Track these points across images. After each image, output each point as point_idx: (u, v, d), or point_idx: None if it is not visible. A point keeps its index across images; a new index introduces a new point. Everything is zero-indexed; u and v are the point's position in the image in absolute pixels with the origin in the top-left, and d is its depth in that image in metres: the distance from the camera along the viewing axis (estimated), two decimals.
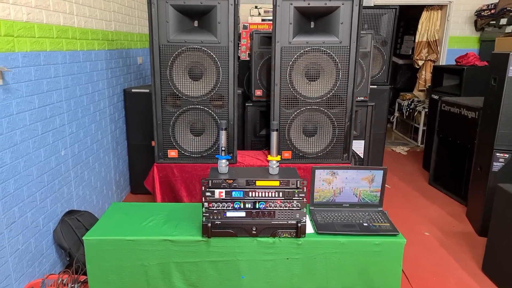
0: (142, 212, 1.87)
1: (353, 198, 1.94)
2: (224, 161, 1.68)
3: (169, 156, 2.61)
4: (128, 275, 1.69)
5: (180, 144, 2.59)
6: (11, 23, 1.76)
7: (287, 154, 2.63)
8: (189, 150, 2.60)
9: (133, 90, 3.20)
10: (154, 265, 1.69)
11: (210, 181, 1.61)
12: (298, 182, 1.64)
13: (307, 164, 2.62)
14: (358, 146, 3.52)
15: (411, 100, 5.71)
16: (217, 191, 1.62)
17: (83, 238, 1.64)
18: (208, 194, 1.62)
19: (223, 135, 1.67)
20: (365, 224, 1.79)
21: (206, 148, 2.58)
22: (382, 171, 1.91)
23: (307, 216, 1.82)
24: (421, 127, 5.32)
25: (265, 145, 3.27)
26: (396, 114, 6.06)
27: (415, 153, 5.00)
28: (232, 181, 1.62)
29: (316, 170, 1.88)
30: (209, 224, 1.63)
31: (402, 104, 5.83)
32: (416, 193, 3.68)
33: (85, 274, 1.85)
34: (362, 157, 3.53)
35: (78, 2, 2.41)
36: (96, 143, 2.71)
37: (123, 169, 3.28)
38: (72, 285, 1.85)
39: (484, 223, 2.75)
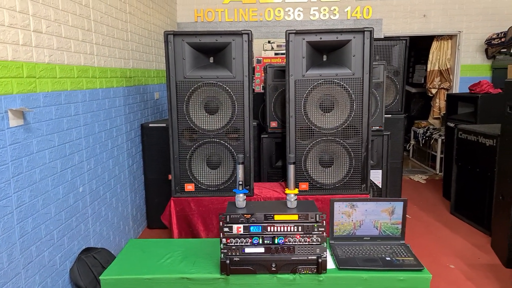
0: (159, 249, 1.85)
1: (374, 231, 1.88)
2: (241, 195, 1.66)
3: (186, 190, 2.62)
4: None
5: (197, 177, 2.59)
6: (33, 65, 1.84)
7: (304, 186, 2.60)
8: (205, 183, 2.59)
9: (150, 125, 3.26)
10: None
11: (228, 216, 1.59)
12: (317, 216, 1.61)
13: (325, 195, 2.58)
14: (376, 176, 3.46)
15: (426, 127, 5.66)
16: (235, 226, 1.60)
17: (99, 277, 1.61)
18: (226, 229, 1.60)
19: (240, 169, 1.67)
20: (387, 259, 1.73)
21: (223, 181, 2.57)
22: (402, 203, 1.86)
23: (328, 250, 1.77)
24: (439, 155, 5.22)
25: (282, 176, 3.25)
26: (412, 142, 5.99)
27: (434, 182, 4.88)
28: (250, 215, 1.60)
29: (335, 203, 1.85)
30: (228, 261, 1.59)
31: (417, 132, 5.77)
32: (437, 223, 3.56)
33: None
34: (380, 187, 3.46)
35: (99, 43, 2.52)
36: (113, 178, 2.74)
37: (140, 203, 3.28)
38: None
39: (511, 254, 2.62)
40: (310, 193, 2.60)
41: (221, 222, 1.59)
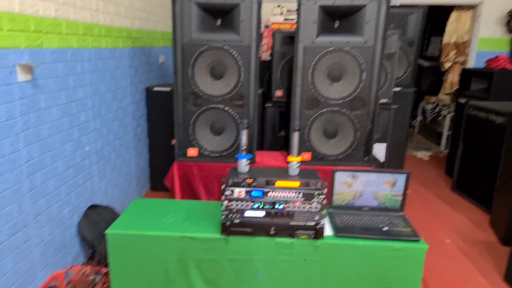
0: (162, 209, 1.90)
1: (374, 202, 1.90)
2: (244, 160, 1.68)
3: (188, 155, 2.64)
4: (148, 269, 1.71)
5: (200, 143, 2.61)
6: (40, 19, 1.82)
7: (306, 156, 2.62)
8: (208, 149, 2.61)
9: (154, 89, 3.25)
10: (173, 261, 1.71)
11: (230, 180, 1.62)
12: (319, 183, 1.63)
13: (327, 166, 2.59)
14: (379, 150, 3.46)
15: (435, 103, 5.57)
16: (236, 190, 1.62)
17: (105, 232, 1.67)
18: (227, 193, 1.63)
19: (244, 134, 1.68)
20: (385, 229, 1.76)
21: (225, 148, 2.59)
22: (405, 175, 1.87)
23: (326, 218, 1.80)
24: (446, 132, 5.18)
25: (284, 146, 3.26)
26: (419, 118, 5.93)
27: (438, 159, 4.88)
28: (252, 180, 1.62)
29: (336, 172, 1.86)
30: (228, 223, 1.64)
31: (425, 108, 5.69)
32: (437, 199, 3.59)
33: (106, 266, 1.90)
34: (382, 161, 3.47)
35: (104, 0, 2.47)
36: (118, 139, 2.76)
37: (143, 166, 3.34)
38: (94, 277, 1.90)
39: (509, 232, 2.65)
40: (312, 163, 2.61)
41: (223, 185, 1.62)
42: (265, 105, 3.22)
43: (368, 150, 2.60)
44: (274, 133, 3.31)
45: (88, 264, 2.01)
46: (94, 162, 2.40)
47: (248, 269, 1.72)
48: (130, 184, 3.05)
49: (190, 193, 2.75)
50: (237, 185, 1.62)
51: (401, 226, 1.78)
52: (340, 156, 2.62)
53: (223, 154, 2.60)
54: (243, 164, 1.68)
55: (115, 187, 2.74)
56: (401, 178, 1.87)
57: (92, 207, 2.33)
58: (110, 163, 2.65)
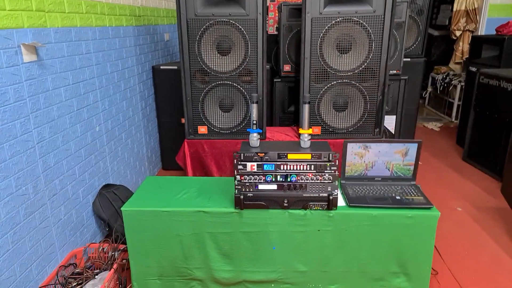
0: (175, 185, 1.92)
1: (386, 172, 1.90)
2: (255, 134, 1.68)
3: (199, 132, 2.65)
4: (165, 244, 1.75)
5: (210, 120, 2.61)
6: None
7: (316, 130, 2.60)
8: (218, 126, 2.61)
9: (161, 67, 3.22)
10: (189, 235, 1.74)
11: (242, 155, 1.62)
12: (330, 155, 1.62)
13: (337, 139, 2.58)
14: (390, 122, 3.43)
15: (446, 73, 5.45)
16: (249, 164, 1.63)
17: (121, 209, 1.70)
18: (240, 167, 1.63)
19: (254, 108, 1.67)
20: (397, 197, 1.76)
21: (235, 124, 2.58)
22: (416, 144, 1.85)
23: (339, 190, 1.81)
24: (456, 102, 5.10)
25: (294, 122, 3.25)
26: (429, 89, 5.82)
27: (449, 129, 4.82)
28: (263, 154, 1.62)
29: (348, 144, 1.85)
30: (241, 196, 1.65)
31: (436, 79, 5.58)
32: (449, 169, 3.57)
33: (124, 243, 1.94)
34: (393, 133, 3.44)
35: None
36: (128, 120, 2.77)
37: (154, 145, 3.36)
38: (113, 253, 1.95)
39: None
40: (322, 137, 2.60)
41: (235, 160, 1.62)
42: (274, 80, 3.19)
43: (378, 122, 2.57)
44: (283, 108, 3.29)
45: (106, 241, 2.06)
46: (105, 143, 2.42)
47: (263, 241, 1.74)
48: (142, 164, 3.08)
49: (202, 170, 2.78)
50: (249, 159, 1.63)
51: (414, 194, 1.78)
52: (351, 129, 2.60)
53: (233, 130, 2.60)
54: (254, 139, 1.68)
55: (127, 167, 2.77)
56: (413, 147, 1.86)
57: (107, 186, 2.36)
58: (121, 143, 2.67)
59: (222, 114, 2.60)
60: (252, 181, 1.65)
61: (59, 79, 1.92)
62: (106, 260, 1.95)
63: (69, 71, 2.01)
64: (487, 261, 2.20)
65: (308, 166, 1.64)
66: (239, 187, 1.65)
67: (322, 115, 2.57)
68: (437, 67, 5.81)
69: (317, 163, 1.63)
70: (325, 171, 1.64)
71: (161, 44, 3.54)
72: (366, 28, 2.34)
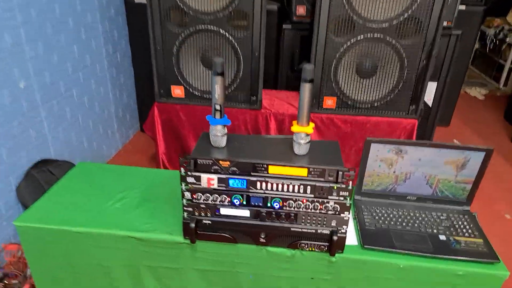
0: (113, 182, 1.32)
1: (426, 189, 1.24)
2: (219, 127, 1.02)
3: (173, 95, 2.02)
4: (83, 276, 1.20)
5: (187, 79, 1.98)
6: None
7: (330, 102, 1.92)
8: (199, 88, 1.98)
9: (136, 1, 2.47)
10: (119, 267, 1.18)
11: (193, 162, 0.98)
12: (341, 173, 0.96)
13: (357, 116, 1.91)
14: (428, 90, 2.66)
15: (500, 28, 4.47)
16: (204, 176, 0.99)
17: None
18: (191, 180, 1.00)
19: (218, 82, 0.98)
20: (442, 238, 1.12)
21: None
22: (483, 153, 1.17)
23: (351, 211, 1.17)
24: (508, 65, 4.21)
25: None
26: (476, 45, 4.84)
27: (495, 98, 4.00)
28: (229, 163, 0.97)
29: (372, 144, 1.18)
30: (193, 225, 1.04)
31: (486, 33, 4.60)
32: (495, 155, 2.85)
33: None
34: (430, 105, 2.70)
35: None
36: (82, 70, 2.11)
37: (128, 102, 2.72)
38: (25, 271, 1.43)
39: None
40: (336, 112, 1.93)
41: (182, 169, 0.99)
42: (283, 26, 2.42)
43: (417, 97, 1.86)
44: (292, 64, 2.55)
45: None
46: (39, 103, 1.80)
47: (229, 284, 1.17)
48: (108, 127, 2.47)
49: (177, 143, 2.19)
50: (206, 169, 0.99)
51: (468, 233, 1.14)
52: (377, 104, 1.91)
53: None
54: (218, 135, 1.02)
55: (82, 132, 2.17)
56: (476, 157, 1.19)
57: (42, 163, 1.79)
58: (71, 101, 2.04)
59: (205, 71, 1.95)
60: (210, 201, 1.02)
61: None
62: (26, 271, 1.44)
63: None
64: None
65: (302, 187, 0.99)
66: (190, 209, 1.04)
67: (340, 83, 1.87)
68: (489, 18, 4.75)
69: (318, 184, 0.98)
70: (330, 197, 0.99)
71: None
72: None
